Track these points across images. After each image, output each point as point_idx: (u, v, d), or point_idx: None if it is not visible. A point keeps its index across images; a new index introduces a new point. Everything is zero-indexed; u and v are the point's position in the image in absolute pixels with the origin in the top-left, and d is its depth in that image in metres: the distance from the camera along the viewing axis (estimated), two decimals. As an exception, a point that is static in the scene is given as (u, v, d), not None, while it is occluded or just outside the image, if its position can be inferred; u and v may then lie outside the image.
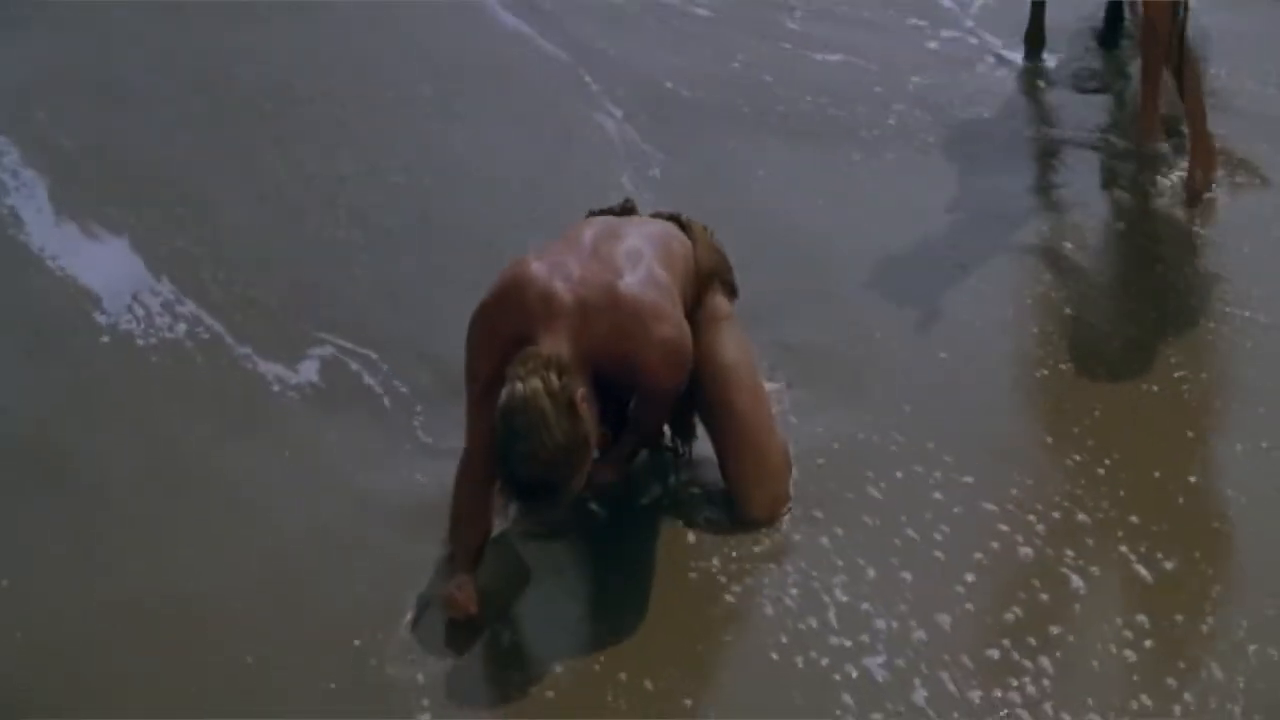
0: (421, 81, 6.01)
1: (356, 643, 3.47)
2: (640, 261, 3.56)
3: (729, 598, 3.58)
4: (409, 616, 3.53)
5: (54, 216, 5.23)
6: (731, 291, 3.93)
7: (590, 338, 3.40)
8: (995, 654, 3.39)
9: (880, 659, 3.38)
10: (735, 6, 6.52)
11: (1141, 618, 3.48)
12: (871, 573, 3.62)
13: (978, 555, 3.65)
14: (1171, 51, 4.92)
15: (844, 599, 3.55)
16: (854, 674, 3.35)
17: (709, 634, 3.50)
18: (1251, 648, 3.41)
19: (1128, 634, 3.44)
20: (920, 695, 3.28)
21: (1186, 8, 4.87)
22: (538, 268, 3.52)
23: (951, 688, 3.30)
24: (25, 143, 5.65)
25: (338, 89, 5.96)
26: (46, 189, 5.38)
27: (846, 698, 3.30)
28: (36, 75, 6.14)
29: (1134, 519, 3.73)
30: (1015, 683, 3.31)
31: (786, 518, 3.77)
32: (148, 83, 6.07)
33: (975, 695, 3.28)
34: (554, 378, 3.25)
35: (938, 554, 3.65)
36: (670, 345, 3.48)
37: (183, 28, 6.49)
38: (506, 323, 3.47)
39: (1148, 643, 3.43)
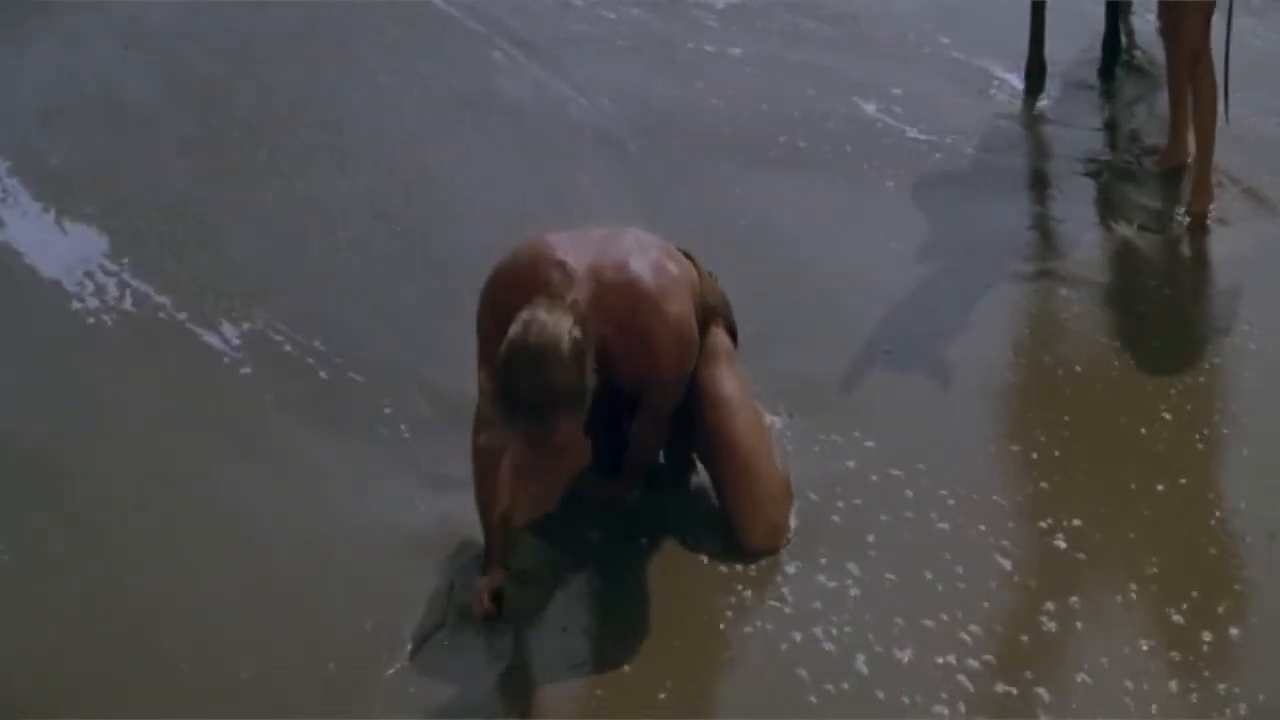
0: (422, 112, 6.03)
1: (354, 668, 3.48)
2: (648, 252, 3.58)
3: (729, 629, 3.57)
4: (408, 649, 3.53)
5: (51, 237, 5.25)
6: (731, 334, 3.94)
7: (603, 313, 3.38)
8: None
9: (879, 686, 3.37)
10: (731, 35, 6.53)
11: (1075, 599, 3.59)
12: (870, 602, 3.61)
13: (990, 583, 3.66)
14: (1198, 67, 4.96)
15: (844, 629, 3.53)
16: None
17: (711, 668, 3.49)
18: (1178, 618, 3.51)
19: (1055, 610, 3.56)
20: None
21: (1201, 25, 4.92)
22: (555, 241, 3.52)
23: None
24: (24, 166, 5.68)
25: (338, 118, 5.98)
26: (46, 212, 5.40)
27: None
28: (38, 101, 6.17)
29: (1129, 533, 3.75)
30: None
31: (786, 547, 3.76)
32: (149, 109, 6.10)
33: None
34: (571, 322, 3.23)
35: (941, 588, 3.64)
36: (681, 326, 3.51)
37: (184, 55, 6.52)
38: (519, 292, 3.42)
39: (1079, 624, 3.53)
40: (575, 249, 3.50)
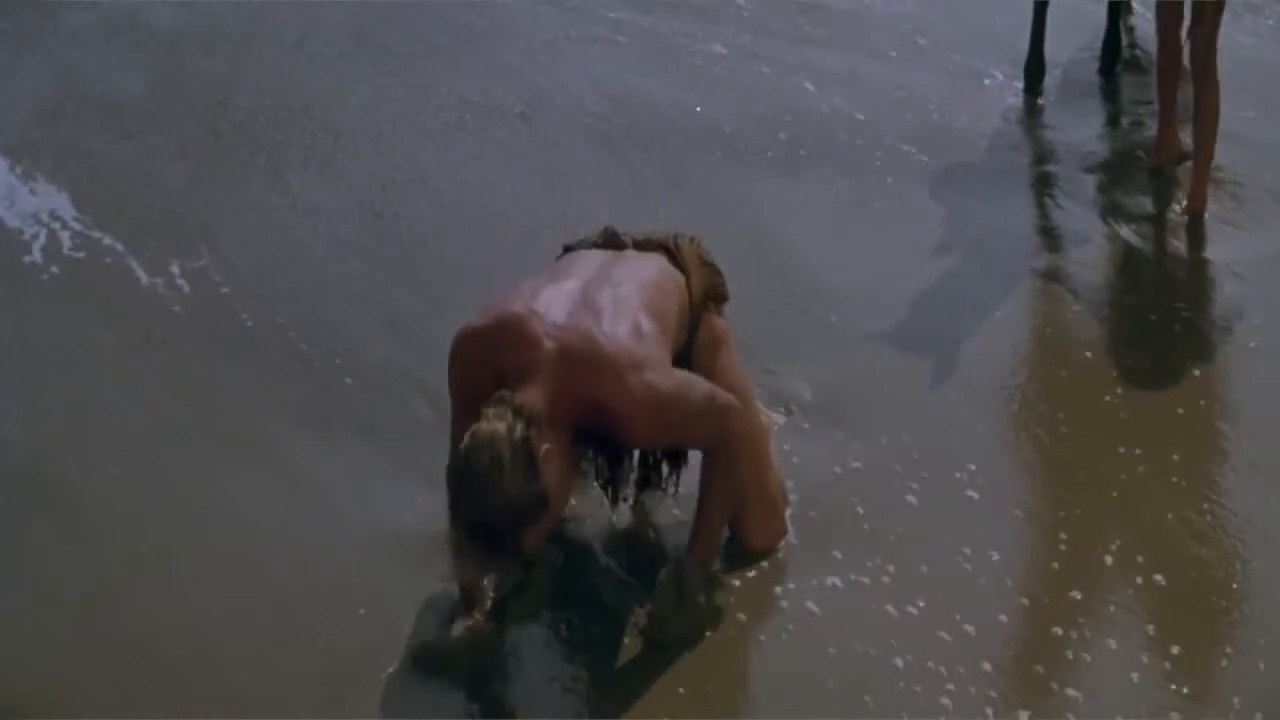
0: (420, 114, 6.03)
1: (352, 669, 3.47)
2: (627, 311, 3.44)
3: (728, 630, 3.55)
4: (406, 650, 3.50)
5: (50, 241, 5.25)
6: (724, 299, 3.83)
7: (569, 386, 3.28)
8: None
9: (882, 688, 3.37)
10: (735, 39, 6.53)
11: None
12: (868, 599, 3.60)
13: (993, 577, 3.66)
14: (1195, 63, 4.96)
15: (846, 632, 3.52)
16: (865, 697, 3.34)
17: (707, 665, 3.47)
18: (1109, 559, 3.65)
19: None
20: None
21: (1215, 24, 4.90)
22: (525, 310, 3.40)
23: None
24: (21, 165, 5.69)
25: (337, 120, 5.98)
26: (41, 211, 5.40)
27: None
28: (38, 102, 6.17)
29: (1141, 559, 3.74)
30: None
31: (783, 547, 3.75)
32: (148, 112, 6.09)
33: None
34: (520, 426, 3.13)
35: (938, 585, 3.63)
36: (651, 397, 3.33)
37: (183, 59, 6.52)
38: (487, 358, 3.36)
39: (1007, 579, 3.66)
40: (546, 315, 3.37)
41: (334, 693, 3.42)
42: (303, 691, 3.44)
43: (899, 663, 3.42)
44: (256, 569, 3.79)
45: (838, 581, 3.66)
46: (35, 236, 5.28)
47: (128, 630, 3.62)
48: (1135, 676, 3.36)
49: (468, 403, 3.38)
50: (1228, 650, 3.43)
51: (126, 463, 4.19)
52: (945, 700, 3.32)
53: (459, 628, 3.48)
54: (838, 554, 3.74)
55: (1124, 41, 6.10)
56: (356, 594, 3.67)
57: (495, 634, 3.50)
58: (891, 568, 3.69)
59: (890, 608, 3.58)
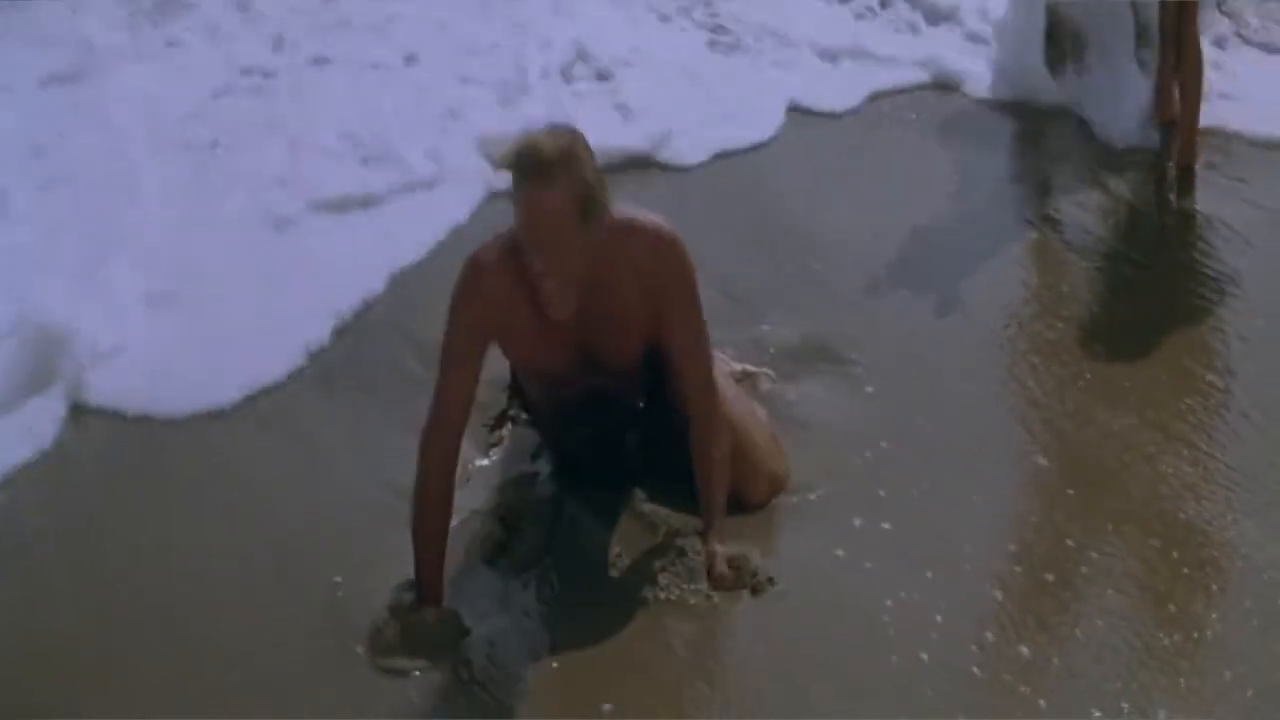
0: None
1: (351, 645, 3.41)
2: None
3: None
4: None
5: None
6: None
7: (618, 264, 3.34)
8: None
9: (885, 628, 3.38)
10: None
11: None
12: (864, 546, 3.61)
13: (971, 531, 3.66)
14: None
15: (838, 574, 3.53)
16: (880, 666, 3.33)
17: (708, 618, 3.47)
18: (1099, 511, 3.68)
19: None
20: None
21: None
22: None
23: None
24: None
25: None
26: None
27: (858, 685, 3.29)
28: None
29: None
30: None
31: (781, 499, 3.75)
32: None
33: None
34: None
35: (929, 537, 3.64)
36: (689, 274, 3.44)
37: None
38: (504, 282, 3.35)
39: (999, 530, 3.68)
40: None
41: (336, 650, 3.37)
42: (301, 649, 3.39)
43: (886, 603, 3.44)
44: (255, 526, 3.77)
45: (831, 531, 3.67)
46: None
47: (127, 593, 3.59)
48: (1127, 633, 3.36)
49: (472, 343, 3.39)
50: (1216, 596, 3.46)
51: (125, 420, 4.18)
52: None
53: (430, 615, 3.40)
54: (833, 504, 3.75)
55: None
56: (355, 549, 3.64)
57: (460, 620, 3.42)
58: (885, 518, 3.70)
59: (883, 554, 3.60)
